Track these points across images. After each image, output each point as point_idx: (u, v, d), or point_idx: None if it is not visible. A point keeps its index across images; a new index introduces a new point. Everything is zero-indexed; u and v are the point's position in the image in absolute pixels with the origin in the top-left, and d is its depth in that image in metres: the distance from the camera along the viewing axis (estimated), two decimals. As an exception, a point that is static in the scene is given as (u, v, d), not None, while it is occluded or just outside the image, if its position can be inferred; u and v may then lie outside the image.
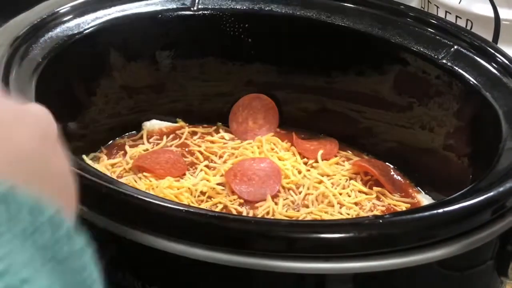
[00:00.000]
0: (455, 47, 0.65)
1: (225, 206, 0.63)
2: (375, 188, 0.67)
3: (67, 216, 0.25)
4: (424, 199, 0.66)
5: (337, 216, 0.63)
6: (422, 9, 0.86)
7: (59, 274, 0.24)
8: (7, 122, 0.27)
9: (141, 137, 0.71)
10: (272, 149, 0.71)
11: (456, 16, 0.82)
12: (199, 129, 0.74)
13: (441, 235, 0.44)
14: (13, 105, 0.29)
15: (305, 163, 0.70)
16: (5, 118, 0.27)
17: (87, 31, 0.63)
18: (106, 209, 0.44)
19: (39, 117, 0.29)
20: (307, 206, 0.64)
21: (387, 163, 0.71)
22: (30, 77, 0.55)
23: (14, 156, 0.26)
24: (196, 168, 0.67)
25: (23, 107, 0.29)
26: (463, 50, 0.64)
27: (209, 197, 0.64)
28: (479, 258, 0.48)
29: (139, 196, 0.44)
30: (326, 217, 0.63)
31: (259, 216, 0.62)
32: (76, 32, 0.62)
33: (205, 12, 0.70)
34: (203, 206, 0.62)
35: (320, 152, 0.70)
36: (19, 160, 0.26)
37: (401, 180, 0.69)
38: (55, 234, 0.24)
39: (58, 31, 0.61)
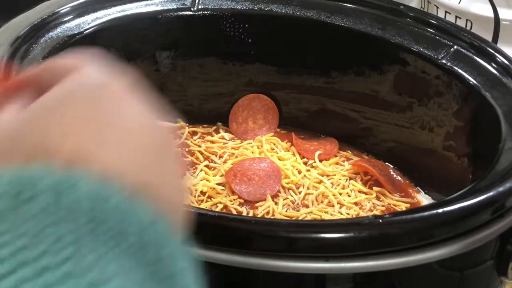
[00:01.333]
0: (455, 47, 0.65)
1: (225, 206, 0.63)
2: (375, 188, 0.67)
3: (177, 231, 0.24)
4: (424, 199, 0.66)
5: (337, 216, 0.63)
6: (422, 9, 0.87)
7: None
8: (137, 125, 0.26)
9: (141, 137, 0.71)
10: (272, 149, 0.71)
11: (456, 16, 0.82)
12: (199, 129, 0.74)
13: (441, 235, 0.44)
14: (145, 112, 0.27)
15: (305, 163, 0.70)
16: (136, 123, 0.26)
17: (87, 31, 0.63)
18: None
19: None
20: (307, 206, 0.64)
21: (387, 163, 0.71)
22: (30, 77, 0.55)
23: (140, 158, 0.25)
24: (196, 168, 0.68)
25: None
26: (462, 50, 0.64)
27: (209, 197, 0.64)
28: (478, 258, 0.48)
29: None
30: (326, 217, 0.63)
31: (259, 216, 0.62)
32: (76, 32, 0.62)
33: (205, 12, 0.70)
34: (203, 206, 0.62)
35: (318, 152, 0.70)
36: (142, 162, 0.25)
37: (401, 180, 0.69)
38: (161, 252, 0.22)
39: (59, 31, 0.61)
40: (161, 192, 0.25)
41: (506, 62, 0.62)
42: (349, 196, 0.66)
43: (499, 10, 0.80)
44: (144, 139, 0.26)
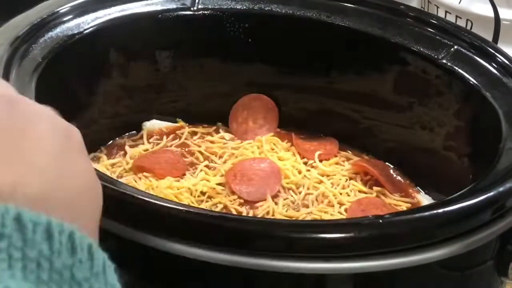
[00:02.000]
0: (455, 47, 0.65)
1: (225, 206, 0.63)
2: (375, 188, 0.67)
3: (85, 233, 0.23)
4: (424, 199, 0.66)
5: (337, 216, 0.63)
6: (422, 9, 0.86)
7: None
8: (18, 129, 0.24)
9: (141, 137, 0.71)
10: (272, 149, 0.71)
11: (456, 16, 0.82)
12: (199, 129, 0.74)
13: (441, 235, 0.44)
14: (24, 108, 0.25)
15: (305, 163, 0.70)
16: (15, 125, 0.24)
17: (87, 31, 0.63)
18: (106, 209, 0.44)
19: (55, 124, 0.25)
20: (307, 206, 0.64)
21: (387, 163, 0.71)
22: (30, 77, 0.55)
23: (29, 169, 0.24)
24: (196, 168, 0.67)
25: (35, 111, 0.25)
26: (463, 50, 0.64)
27: (209, 197, 0.64)
28: (479, 258, 0.48)
29: (139, 196, 0.44)
30: (326, 217, 0.63)
31: (259, 216, 0.62)
32: (76, 32, 0.62)
33: (205, 12, 0.70)
34: (203, 206, 0.62)
35: (318, 152, 0.70)
36: (32, 173, 0.24)
37: (401, 180, 0.69)
38: (72, 259, 0.22)
39: (58, 31, 0.61)
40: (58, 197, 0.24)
41: (506, 62, 0.62)
42: (349, 196, 0.66)
43: (499, 10, 0.80)
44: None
